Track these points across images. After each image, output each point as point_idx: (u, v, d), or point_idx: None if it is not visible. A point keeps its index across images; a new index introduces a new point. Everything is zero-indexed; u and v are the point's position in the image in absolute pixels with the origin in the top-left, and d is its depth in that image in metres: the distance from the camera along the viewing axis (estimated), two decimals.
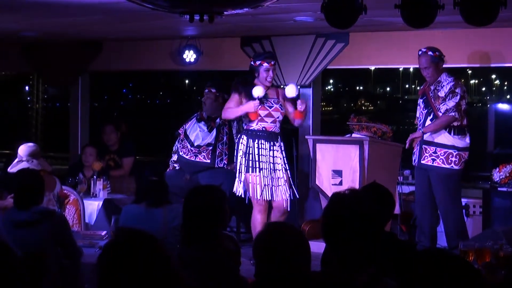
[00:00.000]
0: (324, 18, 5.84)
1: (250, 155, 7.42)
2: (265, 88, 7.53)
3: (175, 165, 8.83)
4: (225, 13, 5.20)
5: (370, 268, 3.23)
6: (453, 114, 7.50)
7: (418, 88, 8.07)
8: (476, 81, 40.07)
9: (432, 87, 7.67)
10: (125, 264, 2.81)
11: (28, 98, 13.56)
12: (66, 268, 5.34)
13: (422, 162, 7.64)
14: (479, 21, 5.75)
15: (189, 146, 8.58)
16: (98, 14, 7.86)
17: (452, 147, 7.55)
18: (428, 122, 7.66)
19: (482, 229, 7.80)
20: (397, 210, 7.03)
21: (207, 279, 3.96)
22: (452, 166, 7.54)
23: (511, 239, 5.41)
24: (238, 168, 7.51)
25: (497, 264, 4.81)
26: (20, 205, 5.30)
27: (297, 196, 7.64)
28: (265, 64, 7.50)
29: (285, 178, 7.47)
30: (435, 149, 7.58)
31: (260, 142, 7.45)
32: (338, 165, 7.87)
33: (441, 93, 7.58)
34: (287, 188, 7.47)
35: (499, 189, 7.95)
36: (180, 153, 8.66)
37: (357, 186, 7.44)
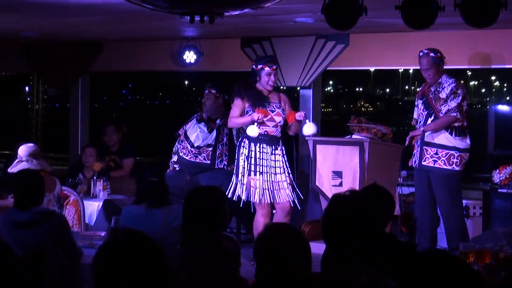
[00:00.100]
0: (325, 19, 5.84)
1: (252, 159, 7.41)
2: (266, 92, 7.51)
3: (175, 166, 8.83)
4: (225, 14, 5.20)
5: (370, 268, 3.24)
6: (455, 114, 7.50)
7: (417, 89, 8.05)
8: (476, 83, 40.08)
9: (432, 89, 7.67)
10: (121, 265, 2.81)
11: (28, 99, 13.57)
12: (66, 268, 5.33)
13: (422, 163, 7.64)
14: (479, 23, 5.75)
15: (189, 147, 8.58)
16: (98, 14, 7.86)
17: (454, 148, 7.54)
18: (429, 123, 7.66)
19: (482, 231, 7.81)
20: (397, 211, 7.02)
21: (207, 280, 3.96)
22: (453, 167, 7.54)
23: (511, 240, 5.42)
24: (240, 171, 7.48)
25: (497, 265, 4.81)
26: (20, 205, 5.30)
27: (302, 197, 7.62)
28: (267, 68, 7.47)
29: (288, 181, 7.46)
30: (436, 150, 7.58)
31: (261, 146, 7.43)
32: (338, 166, 7.87)
33: (442, 95, 7.58)
34: (291, 190, 7.46)
35: (499, 190, 7.95)
36: (180, 154, 8.66)
37: (357, 187, 7.44)
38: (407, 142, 7.71)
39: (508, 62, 8.50)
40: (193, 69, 10.33)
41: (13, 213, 5.32)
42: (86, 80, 11.21)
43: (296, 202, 7.50)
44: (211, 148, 8.53)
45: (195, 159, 8.55)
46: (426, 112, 7.68)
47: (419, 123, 7.74)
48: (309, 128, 7.62)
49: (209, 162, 8.52)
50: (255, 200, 7.40)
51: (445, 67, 7.69)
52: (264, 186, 7.38)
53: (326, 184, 7.96)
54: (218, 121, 8.57)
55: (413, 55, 7.91)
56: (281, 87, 8.77)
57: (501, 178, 7.94)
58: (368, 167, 7.71)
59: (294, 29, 8.70)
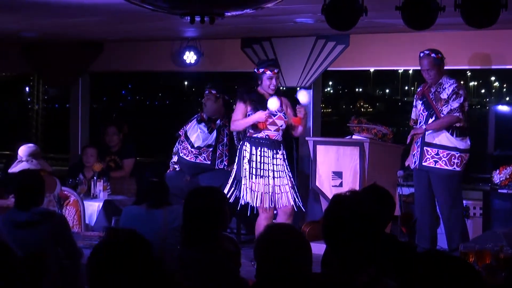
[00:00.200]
0: (325, 19, 5.84)
1: (253, 162, 7.39)
2: (268, 96, 7.50)
3: (175, 166, 8.83)
4: (226, 14, 5.20)
5: (370, 268, 3.24)
6: (458, 114, 7.50)
7: (417, 90, 8.04)
8: (476, 83, 40.06)
9: (432, 89, 7.66)
10: (115, 264, 2.82)
11: (28, 99, 13.56)
12: (66, 268, 5.34)
13: (423, 164, 7.63)
14: (479, 23, 5.75)
15: (189, 148, 8.58)
16: (98, 15, 7.86)
17: (454, 148, 7.54)
18: None
19: (482, 231, 7.81)
20: (397, 211, 7.03)
21: (207, 280, 3.97)
22: (454, 168, 7.54)
23: (511, 241, 5.42)
24: (242, 174, 7.44)
25: (497, 266, 4.81)
26: (20, 205, 5.30)
27: (301, 204, 7.58)
28: (268, 72, 7.45)
29: (290, 185, 7.45)
30: (437, 150, 7.58)
31: (263, 150, 7.41)
32: (339, 167, 7.87)
33: (443, 95, 7.58)
34: (293, 193, 7.44)
35: (499, 191, 7.95)
36: (181, 154, 8.66)
37: (357, 187, 7.45)
38: (408, 140, 7.71)
39: (508, 63, 8.51)
40: (193, 70, 10.33)
41: (13, 213, 5.32)
42: (86, 80, 11.20)
43: (300, 204, 7.48)
44: (211, 149, 8.53)
45: (195, 160, 8.55)
46: (426, 112, 7.67)
47: (419, 123, 7.74)
48: (303, 96, 7.59)
49: (209, 162, 8.52)
50: (257, 204, 7.37)
51: (445, 67, 7.69)
52: (265, 190, 7.36)
53: (326, 185, 7.96)
54: (218, 121, 8.57)
55: (413, 55, 7.91)
56: (281, 88, 8.75)
57: (501, 179, 7.94)
58: (368, 167, 7.71)
59: (294, 29, 8.70)
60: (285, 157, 7.51)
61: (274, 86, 7.48)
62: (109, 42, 10.60)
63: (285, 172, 7.45)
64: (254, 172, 7.38)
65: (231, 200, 7.38)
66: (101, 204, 7.98)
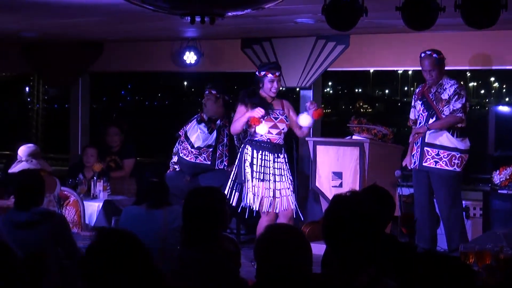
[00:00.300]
0: (325, 20, 5.84)
1: (255, 166, 7.37)
2: (270, 99, 7.48)
3: (175, 166, 8.83)
4: (226, 15, 5.20)
5: (370, 268, 3.24)
6: (460, 115, 7.51)
7: (416, 90, 8.03)
8: (475, 84, 40.07)
9: (432, 90, 7.66)
10: (105, 265, 2.82)
11: (29, 99, 13.56)
12: (66, 268, 5.34)
13: (423, 164, 7.63)
14: (480, 24, 5.75)
15: (189, 148, 8.58)
16: (99, 15, 7.86)
17: (455, 149, 7.55)
18: None
19: (482, 232, 7.80)
20: (397, 212, 7.02)
21: (207, 281, 3.97)
22: (455, 168, 7.54)
23: (511, 241, 5.42)
24: (244, 177, 7.42)
25: (497, 266, 4.81)
26: (20, 205, 5.30)
27: (299, 211, 7.56)
28: (270, 75, 7.43)
29: (291, 189, 7.44)
30: (438, 151, 7.58)
31: (264, 153, 7.39)
32: (339, 167, 7.87)
33: (444, 96, 7.58)
34: (293, 198, 7.42)
35: (499, 191, 7.95)
36: (181, 155, 8.66)
37: (357, 188, 7.44)
38: (411, 139, 7.69)
39: (508, 63, 8.51)
40: (193, 70, 10.32)
41: (13, 214, 5.32)
42: (86, 80, 11.20)
43: (299, 211, 7.46)
44: (211, 149, 8.53)
45: (195, 160, 8.55)
46: (426, 113, 7.67)
47: (419, 123, 7.73)
48: (304, 120, 7.56)
49: (209, 162, 8.52)
50: (257, 208, 7.36)
51: (445, 68, 7.69)
52: (266, 194, 7.35)
53: (326, 185, 7.96)
54: (218, 121, 8.57)
55: (413, 56, 7.91)
56: (282, 88, 8.75)
57: (501, 179, 7.94)
58: (368, 168, 7.71)
59: (294, 29, 8.70)
60: (287, 161, 7.49)
61: (276, 89, 7.46)
62: (109, 42, 10.59)
63: (287, 176, 7.43)
64: (255, 176, 7.35)
65: (232, 202, 7.36)
66: (101, 204, 7.98)
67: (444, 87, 7.62)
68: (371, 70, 16.90)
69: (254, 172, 7.34)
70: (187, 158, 8.59)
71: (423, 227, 7.67)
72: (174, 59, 10.09)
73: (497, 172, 8.01)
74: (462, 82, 7.91)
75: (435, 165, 7.58)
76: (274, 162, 7.37)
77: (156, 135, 18.78)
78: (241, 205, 7.38)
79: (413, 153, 7.76)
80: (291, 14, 7.56)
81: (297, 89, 9.89)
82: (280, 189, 7.36)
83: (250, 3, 5.21)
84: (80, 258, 5.37)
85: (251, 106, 7.38)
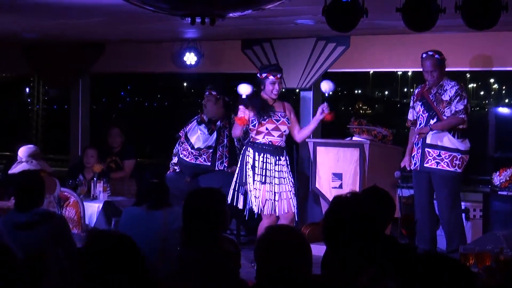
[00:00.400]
0: (325, 21, 5.84)
1: (256, 169, 7.36)
2: (271, 101, 7.46)
3: (176, 167, 8.83)
4: (226, 15, 5.20)
5: (370, 269, 3.24)
6: (463, 116, 7.51)
7: (415, 91, 8.03)
8: (475, 85, 40.07)
9: (433, 91, 7.66)
10: (98, 266, 2.83)
11: (29, 100, 13.56)
12: (66, 269, 5.33)
13: (425, 165, 7.63)
14: (480, 25, 5.75)
15: (189, 149, 8.58)
16: (99, 16, 7.86)
17: (456, 150, 7.55)
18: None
19: (482, 233, 7.80)
20: (397, 213, 7.02)
21: (207, 281, 3.97)
22: (456, 169, 7.54)
23: (511, 243, 5.42)
24: (245, 180, 7.40)
25: (497, 267, 4.81)
26: (20, 206, 5.30)
27: (297, 214, 7.55)
28: (271, 77, 7.41)
29: (293, 192, 7.43)
30: (439, 152, 7.57)
31: (266, 156, 7.37)
32: (338, 168, 7.87)
33: (445, 97, 7.57)
34: (294, 201, 7.41)
35: (499, 193, 7.95)
36: (181, 156, 8.67)
37: (357, 189, 7.44)
38: (415, 139, 7.67)
39: (509, 65, 8.51)
40: (194, 71, 10.32)
41: (14, 215, 5.32)
42: (86, 81, 11.21)
43: (296, 213, 7.44)
44: (211, 150, 8.53)
45: (196, 161, 8.56)
46: (427, 114, 7.66)
47: (419, 125, 7.73)
48: (326, 85, 7.55)
49: (209, 164, 8.53)
50: (259, 210, 7.35)
51: (445, 69, 7.70)
52: (268, 197, 7.34)
53: (326, 186, 7.96)
54: (218, 123, 8.57)
55: (414, 57, 7.91)
56: (282, 89, 8.74)
57: (501, 181, 7.94)
58: (368, 169, 7.71)
59: (294, 31, 8.70)
60: (288, 163, 7.47)
61: (277, 91, 7.44)
62: (110, 43, 10.60)
63: (288, 179, 7.42)
64: (257, 179, 7.34)
65: (237, 205, 7.36)
66: (101, 205, 7.98)
67: (444, 88, 7.62)
68: (371, 71, 16.90)
69: (255, 175, 7.33)
70: (187, 159, 8.60)
71: (423, 228, 7.67)
72: (174, 60, 10.08)
73: (497, 173, 8.01)
74: (462, 83, 7.92)
75: (437, 166, 7.57)
76: (275, 164, 7.35)
77: (155, 136, 18.79)
78: (246, 208, 7.38)
79: (413, 154, 7.76)
80: (292, 15, 7.56)
81: (297, 90, 9.89)
82: (281, 192, 7.35)
83: (250, 4, 5.21)
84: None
85: (253, 109, 7.36)
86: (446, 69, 7.69)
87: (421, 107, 7.72)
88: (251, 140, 7.44)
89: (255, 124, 7.36)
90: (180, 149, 8.70)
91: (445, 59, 7.60)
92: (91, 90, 11.55)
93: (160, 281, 4.51)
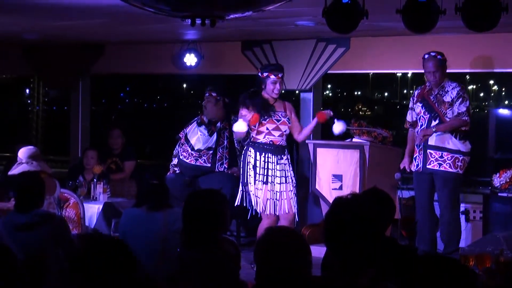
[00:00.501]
0: (325, 22, 5.84)
1: (257, 168, 7.36)
2: (272, 101, 7.47)
3: (176, 168, 8.83)
4: (226, 17, 5.20)
5: (371, 270, 3.24)
6: (466, 118, 7.52)
7: (414, 92, 8.03)
8: (474, 87, 40.06)
9: (434, 92, 7.65)
10: (90, 271, 2.83)
11: (29, 101, 13.55)
12: (66, 270, 5.32)
13: (427, 166, 7.62)
14: (480, 27, 5.75)
15: (189, 150, 8.58)
16: (99, 17, 7.86)
17: (458, 151, 7.55)
18: (434, 127, 7.62)
19: (482, 234, 7.80)
20: (397, 215, 7.02)
21: (207, 282, 3.97)
22: (458, 171, 7.55)
23: (511, 244, 5.42)
24: (246, 180, 7.41)
25: (497, 269, 4.81)
26: (20, 207, 5.30)
27: (297, 208, 7.55)
28: (272, 77, 7.40)
29: (294, 191, 7.43)
30: (441, 153, 7.57)
31: (267, 155, 7.37)
32: (339, 170, 7.87)
33: (447, 98, 7.57)
34: (295, 200, 7.41)
35: (499, 194, 7.94)
36: (181, 157, 8.67)
37: (357, 190, 7.44)
38: (418, 142, 7.66)
39: (509, 66, 8.51)
40: (194, 72, 10.31)
41: (14, 216, 5.32)
42: (86, 82, 11.21)
43: (296, 213, 7.44)
44: (211, 151, 8.53)
45: (196, 162, 8.56)
46: (428, 115, 7.65)
47: (420, 126, 7.72)
48: (338, 127, 7.55)
49: (209, 165, 8.52)
50: (260, 210, 7.35)
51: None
52: (269, 196, 7.34)
53: (326, 188, 7.95)
54: (218, 124, 8.57)
55: (414, 58, 7.91)
56: (282, 91, 8.75)
57: (501, 182, 7.93)
58: (368, 170, 7.71)
59: (295, 32, 8.70)
60: (290, 162, 7.47)
61: (278, 91, 7.43)
62: (110, 44, 10.60)
63: (290, 178, 7.42)
64: (258, 178, 7.34)
65: (246, 205, 7.37)
66: (101, 206, 7.98)
67: (446, 90, 7.62)
68: (371, 73, 16.90)
69: (257, 175, 7.33)
70: (187, 161, 8.60)
71: (423, 229, 7.67)
72: (174, 61, 10.08)
73: (497, 175, 8.01)
74: (463, 85, 7.92)
75: (439, 167, 7.57)
76: (277, 163, 7.36)
77: (154, 138, 18.78)
78: (250, 210, 7.38)
79: (415, 156, 7.75)
80: (292, 16, 7.56)
81: (297, 91, 9.89)
82: (282, 191, 7.35)
83: (250, 6, 5.21)
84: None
85: (253, 108, 7.36)
86: (446, 71, 7.69)
87: (422, 108, 7.72)
88: (252, 140, 7.44)
89: (256, 124, 7.36)
90: (180, 150, 8.70)
91: (446, 60, 7.61)
92: (91, 91, 11.55)
93: (160, 282, 4.52)
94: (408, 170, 7.83)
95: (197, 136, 8.56)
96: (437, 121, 7.60)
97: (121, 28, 8.85)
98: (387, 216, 4.68)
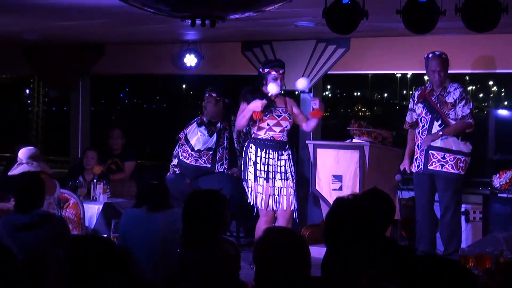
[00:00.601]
0: (325, 23, 5.84)
1: (258, 165, 7.37)
2: (272, 96, 7.46)
3: (176, 169, 8.83)
4: (226, 17, 5.20)
5: (371, 271, 3.24)
6: (471, 121, 7.53)
7: (414, 93, 8.02)
8: (474, 87, 40.06)
9: (435, 92, 7.65)
10: (83, 272, 2.84)
11: (29, 101, 13.55)
12: (66, 270, 5.32)
13: (429, 167, 7.62)
14: (480, 27, 5.75)
15: (189, 151, 8.58)
16: (99, 17, 7.87)
17: (460, 152, 7.56)
18: (436, 127, 7.61)
19: (482, 235, 7.80)
20: (397, 215, 7.03)
21: (207, 282, 3.98)
22: (460, 172, 7.56)
23: (511, 245, 5.42)
24: (247, 177, 7.43)
25: (497, 270, 4.81)
26: (20, 208, 5.30)
27: (296, 206, 7.56)
28: (273, 73, 7.41)
29: (294, 188, 7.44)
30: (444, 154, 7.57)
31: (268, 151, 7.38)
32: (338, 170, 7.86)
33: (449, 99, 7.57)
34: (294, 197, 7.42)
35: (499, 195, 7.94)
36: (181, 158, 8.67)
37: (357, 191, 7.44)
38: (424, 147, 7.64)
39: (509, 67, 8.51)
40: (194, 73, 10.31)
41: (14, 216, 5.32)
42: (86, 83, 11.21)
43: (295, 212, 7.45)
44: (211, 152, 8.53)
45: (196, 163, 8.56)
46: (430, 116, 7.65)
47: (422, 127, 7.71)
48: (302, 83, 7.55)
49: (209, 165, 8.52)
50: (260, 206, 7.36)
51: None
52: (269, 193, 7.35)
53: (326, 188, 7.95)
54: (218, 124, 8.57)
55: (414, 59, 7.92)
56: (281, 92, 8.75)
57: (501, 183, 7.93)
58: (368, 171, 7.71)
59: (295, 33, 8.70)
60: (291, 157, 7.48)
61: (279, 87, 7.46)
62: (110, 44, 10.60)
63: (290, 174, 7.43)
64: (259, 175, 7.35)
65: (253, 204, 7.38)
66: (101, 206, 7.98)
67: (448, 90, 7.61)
68: (372, 73, 16.90)
69: (257, 171, 7.34)
70: (187, 161, 8.60)
71: (424, 230, 7.67)
72: (174, 62, 10.08)
73: (497, 175, 8.01)
74: (464, 86, 7.93)
75: (441, 168, 7.57)
76: (278, 160, 7.37)
77: (154, 138, 18.78)
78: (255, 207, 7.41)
79: (416, 156, 7.75)
80: (292, 17, 7.57)
81: (297, 92, 9.88)
82: (281, 187, 7.36)
83: (250, 6, 5.21)
84: None
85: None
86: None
87: (424, 109, 7.71)
88: (252, 136, 7.46)
89: (257, 120, 7.38)
90: (180, 151, 8.70)
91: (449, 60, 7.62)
92: (91, 92, 11.55)
93: (160, 283, 4.53)
94: (409, 171, 7.83)
95: (197, 137, 8.56)
96: (439, 122, 7.60)
97: (121, 29, 8.85)
98: (387, 216, 4.68)
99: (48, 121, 13.27)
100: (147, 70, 11.05)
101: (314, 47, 9.22)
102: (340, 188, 7.81)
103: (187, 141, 8.63)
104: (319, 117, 7.55)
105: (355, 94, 41.36)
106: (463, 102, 7.55)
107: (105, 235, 6.37)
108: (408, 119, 7.92)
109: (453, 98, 7.57)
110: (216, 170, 8.52)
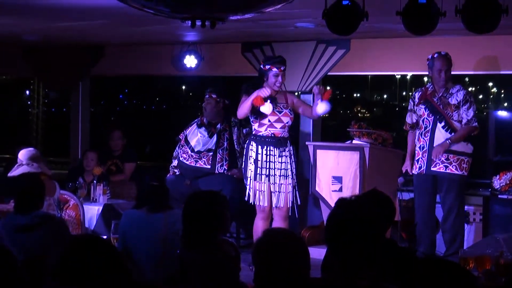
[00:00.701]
0: (325, 24, 5.84)
1: (259, 162, 7.37)
2: (273, 93, 7.47)
3: (175, 170, 8.83)
4: (226, 19, 5.20)
5: (371, 272, 3.25)
6: (476, 124, 7.55)
7: (415, 94, 8.02)
8: (473, 89, 40.07)
9: (437, 94, 7.64)
10: (77, 270, 2.83)
11: (29, 102, 13.55)
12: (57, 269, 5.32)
13: (432, 169, 7.61)
14: (480, 29, 5.75)
15: (189, 152, 8.58)
16: (99, 18, 7.87)
17: (462, 153, 7.56)
18: (439, 129, 7.61)
19: (482, 237, 7.80)
20: (397, 217, 7.02)
21: (207, 283, 3.98)
22: (463, 173, 7.56)
23: (511, 246, 5.42)
24: (247, 174, 7.44)
25: (497, 271, 4.81)
26: (20, 209, 5.30)
27: (299, 203, 7.59)
28: (274, 69, 7.43)
29: (293, 185, 7.45)
30: (447, 155, 7.57)
31: (269, 148, 7.39)
32: (339, 171, 7.86)
33: (453, 101, 7.57)
34: (292, 194, 7.43)
35: (499, 196, 7.94)
36: (181, 159, 8.67)
37: (357, 192, 7.44)
38: (433, 156, 7.60)
39: (509, 68, 8.50)
40: (194, 74, 10.32)
41: (13, 217, 5.32)
42: (86, 84, 11.22)
43: (296, 209, 7.45)
44: (211, 153, 8.53)
45: (196, 164, 8.55)
46: (432, 117, 7.64)
47: (424, 128, 7.70)
48: (320, 107, 7.55)
49: (209, 166, 8.52)
50: (260, 204, 7.37)
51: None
52: (271, 190, 7.37)
53: (326, 189, 7.94)
54: (218, 125, 8.57)
55: (414, 60, 7.91)
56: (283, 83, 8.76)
57: (501, 184, 7.93)
58: (368, 172, 7.70)
59: (295, 34, 8.70)
60: (292, 153, 7.50)
61: (280, 83, 7.46)
62: (110, 45, 10.60)
63: (290, 171, 7.44)
64: (260, 172, 7.36)
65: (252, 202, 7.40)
66: (100, 208, 7.99)
67: (450, 92, 7.61)
68: (372, 74, 16.91)
69: (258, 169, 7.35)
70: (187, 162, 8.60)
71: (423, 231, 7.67)
72: (174, 63, 10.08)
73: (497, 177, 8.00)
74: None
75: (445, 169, 7.57)
76: (279, 156, 7.39)
77: (153, 139, 18.78)
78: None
79: (417, 158, 7.75)
80: (292, 18, 7.57)
81: (297, 93, 9.89)
82: (280, 184, 7.37)
83: (251, 8, 5.21)
84: None
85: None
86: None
87: (426, 110, 7.70)
88: (253, 133, 7.47)
89: (257, 116, 7.39)
90: (180, 152, 8.70)
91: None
92: (91, 93, 11.56)
93: (160, 284, 4.53)
94: (411, 173, 7.83)
95: (197, 138, 8.56)
96: (442, 123, 7.59)
97: (121, 30, 8.85)
98: (387, 217, 4.68)
99: (48, 122, 13.26)
100: (147, 71, 11.04)
101: (314, 48, 9.22)
102: (340, 190, 7.80)
103: (187, 142, 8.63)
104: (330, 95, 7.53)
105: (355, 95, 41.36)
106: (467, 105, 7.55)
107: (105, 236, 6.36)
108: (408, 120, 7.92)
109: (457, 100, 7.56)
110: (216, 171, 8.52)
